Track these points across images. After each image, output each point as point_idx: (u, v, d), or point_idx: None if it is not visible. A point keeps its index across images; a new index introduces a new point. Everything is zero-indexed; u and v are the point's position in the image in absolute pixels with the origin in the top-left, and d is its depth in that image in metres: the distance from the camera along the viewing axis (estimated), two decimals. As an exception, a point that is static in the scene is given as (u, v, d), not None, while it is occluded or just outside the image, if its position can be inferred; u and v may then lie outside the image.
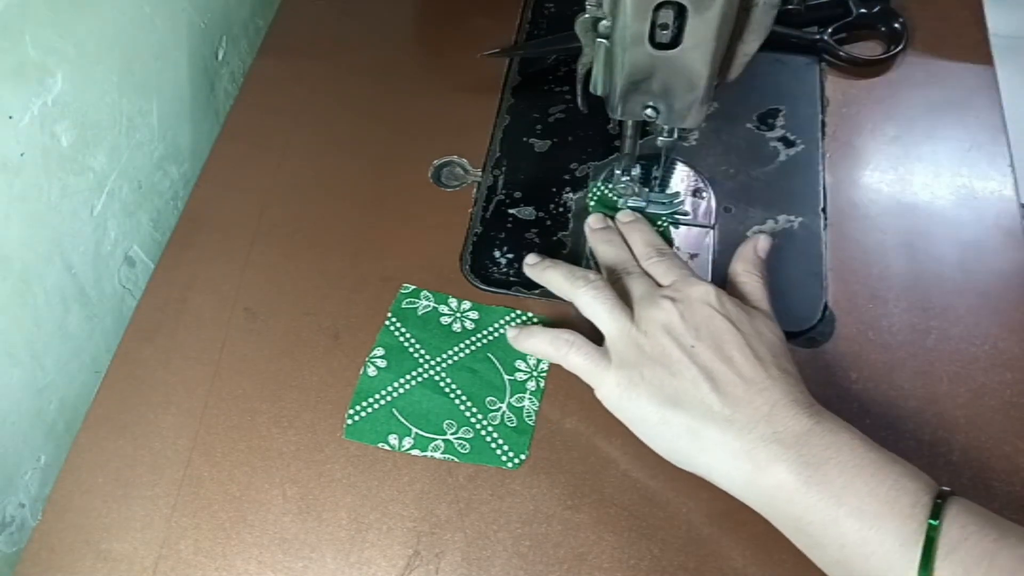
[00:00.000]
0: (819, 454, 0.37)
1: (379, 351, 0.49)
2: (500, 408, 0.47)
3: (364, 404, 0.47)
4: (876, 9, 0.61)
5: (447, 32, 0.66)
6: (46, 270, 0.50)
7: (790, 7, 0.62)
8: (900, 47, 0.60)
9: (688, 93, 0.42)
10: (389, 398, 0.47)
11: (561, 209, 0.55)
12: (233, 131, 0.61)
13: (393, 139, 0.59)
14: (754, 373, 0.40)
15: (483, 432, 0.46)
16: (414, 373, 0.48)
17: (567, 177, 0.56)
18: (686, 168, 0.56)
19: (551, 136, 0.59)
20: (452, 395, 0.47)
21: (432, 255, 0.53)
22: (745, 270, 0.48)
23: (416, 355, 0.49)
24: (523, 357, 0.48)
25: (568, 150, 0.58)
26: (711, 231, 0.53)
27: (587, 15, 0.41)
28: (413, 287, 0.51)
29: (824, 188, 0.54)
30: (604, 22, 0.40)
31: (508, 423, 0.46)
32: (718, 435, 0.39)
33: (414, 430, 0.46)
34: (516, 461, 0.45)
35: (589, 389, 0.47)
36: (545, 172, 0.57)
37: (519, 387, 0.47)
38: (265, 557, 0.43)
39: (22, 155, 0.47)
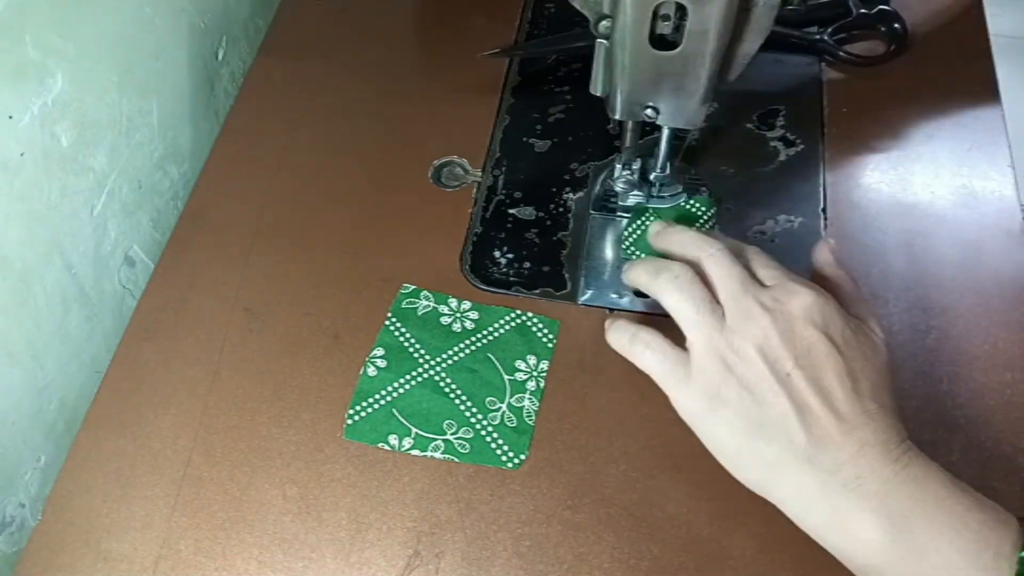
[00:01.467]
0: (903, 507, 0.35)
1: (379, 351, 0.49)
2: (500, 408, 0.47)
3: (364, 404, 0.47)
4: (876, 9, 0.61)
5: (447, 32, 0.66)
6: (46, 270, 0.50)
7: (790, 7, 0.62)
8: (900, 47, 0.60)
9: (688, 93, 0.42)
10: (389, 398, 0.47)
11: (561, 209, 0.55)
12: (233, 131, 0.61)
13: (393, 139, 0.59)
14: (849, 409, 0.36)
15: (483, 432, 0.46)
16: (414, 373, 0.48)
17: (567, 177, 0.57)
18: (686, 168, 0.56)
19: (551, 136, 0.59)
20: (452, 395, 0.47)
21: (432, 255, 0.53)
22: (834, 266, 0.42)
23: (416, 355, 0.49)
24: (523, 357, 0.48)
25: (568, 150, 0.58)
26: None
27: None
28: (413, 287, 0.51)
29: (824, 188, 0.54)
30: (604, 22, 0.40)
31: (508, 423, 0.46)
32: (797, 473, 0.36)
33: (414, 430, 0.46)
34: (516, 461, 0.45)
35: (589, 389, 0.47)
36: (545, 172, 0.57)
37: (519, 387, 0.47)
38: (265, 557, 0.43)
39: (22, 155, 0.47)
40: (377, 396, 0.47)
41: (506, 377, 0.48)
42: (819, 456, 0.36)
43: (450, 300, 0.51)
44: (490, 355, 0.49)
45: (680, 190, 0.54)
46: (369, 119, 0.61)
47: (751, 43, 0.41)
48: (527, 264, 0.53)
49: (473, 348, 0.49)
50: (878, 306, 0.49)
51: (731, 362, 0.38)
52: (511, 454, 0.45)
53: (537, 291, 0.51)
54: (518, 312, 0.50)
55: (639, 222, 0.50)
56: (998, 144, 0.55)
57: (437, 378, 0.48)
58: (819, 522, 0.37)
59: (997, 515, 0.35)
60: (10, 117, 0.45)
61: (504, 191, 0.56)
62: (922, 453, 0.37)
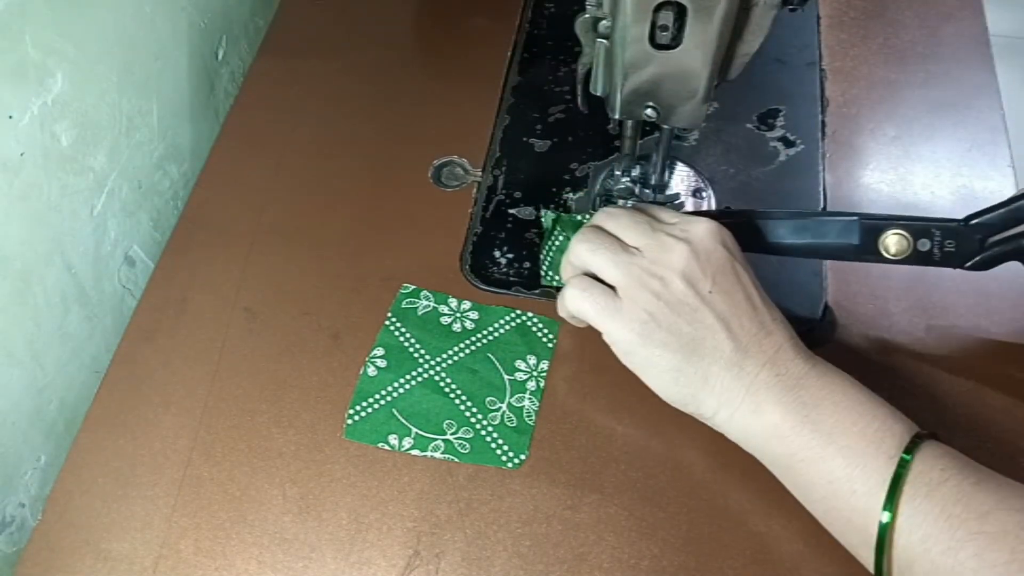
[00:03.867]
0: (815, 395, 0.39)
1: (379, 351, 0.49)
2: (500, 408, 0.47)
3: (364, 404, 0.47)
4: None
5: (447, 32, 0.66)
6: (46, 270, 0.50)
7: (790, 7, 0.62)
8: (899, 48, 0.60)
9: (688, 93, 0.42)
10: (389, 398, 0.47)
11: (561, 209, 0.55)
12: (233, 131, 0.61)
13: (393, 139, 0.59)
14: (763, 316, 0.41)
15: (483, 432, 0.46)
16: (414, 373, 0.48)
17: (567, 177, 0.56)
18: (686, 168, 0.56)
19: (551, 136, 0.59)
20: (452, 395, 0.47)
21: (432, 255, 0.53)
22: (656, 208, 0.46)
23: (416, 355, 0.49)
24: (523, 357, 0.48)
25: (568, 150, 0.58)
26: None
27: (587, 15, 0.41)
28: (413, 287, 0.51)
29: (824, 188, 0.54)
30: (604, 22, 0.40)
31: (508, 423, 0.46)
32: (727, 379, 0.40)
33: (414, 430, 0.46)
34: (516, 461, 0.45)
35: (589, 389, 0.47)
36: (545, 172, 0.57)
37: (519, 387, 0.47)
38: (265, 557, 0.43)
39: (22, 155, 0.47)
40: (377, 396, 0.47)
41: (506, 377, 0.48)
42: (745, 361, 0.40)
43: (450, 300, 0.51)
44: (490, 355, 0.49)
45: (679, 194, 0.54)
46: (369, 119, 0.61)
47: (751, 43, 0.41)
48: (527, 264, 0.53)
49: (473, 348, 0.49)
50: (878, 306, 0.49)
51: (656, 289, 0.41)
52: (511, 454, 0.45)
53: (537, 291, 0.51)
54: (518, 312, 0.50)
55: (548, 243, 0.50)
56: (998, 144, 0.55)
57: (437, 378, 0.48)
58: (743, 423, 0.40)
59: (901, 415, 0.39)
60: (10, 117, 0.45)
61: (504, 191, 0.56)
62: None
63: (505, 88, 0.62)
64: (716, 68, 0.41)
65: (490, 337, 0.49)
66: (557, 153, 0.58)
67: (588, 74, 0.44)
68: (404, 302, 0.51)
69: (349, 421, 0.47)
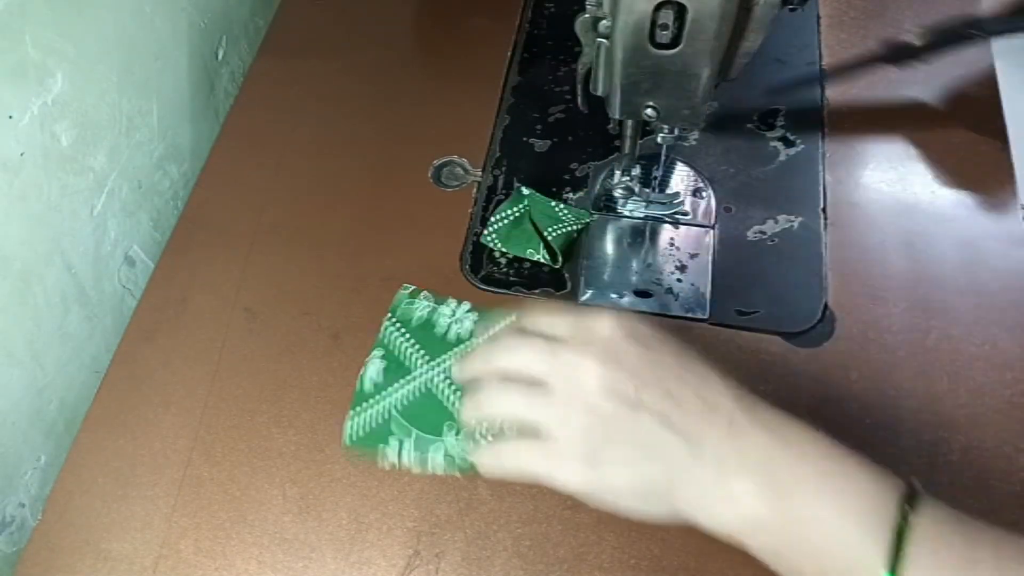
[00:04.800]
0: (783, 473, 0.35)
1: (378, 352, 0.49)
2: None
3: (363, 405, 0.47)
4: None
5: (447, 32, 0.66)
6: (46, 270, 0.50)
7: (790, 7, 0.62)
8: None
9: (688, 93, 0.42)
10: (388, 399, 0.47)
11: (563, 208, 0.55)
12: (233, 131, 0.61)
13: (393, 139, 0.59)
14: (703, 392, 0.36)
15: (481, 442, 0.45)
16: (409, 377, 0.48)
17: (567, 177, 0.56)
18: (686, 168, 0.56)
19: (551, 136, 0.59)
20: (447, 403, 0.47)
21: (432, 255, 0.53)
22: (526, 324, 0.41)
23: (415, 357, 0.48)
24: None
25: (568, 150, 0.58)
26: (711, 231, 0.53)
27: (587, 15, 0.41)
28: (412, 287, 0.51)
29: (824, 188, 0.54)
30: (604, 22, 0.40)
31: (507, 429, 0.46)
32: (692, 475, 0.36)
33: (414, 432, 0.46)
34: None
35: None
36: (545, 172, 0.57)
37: None
38: (265, 557, 0.43)
39: (22, 155, 0.47)
40: (377, 397, 0.47)
41: None
42: (701, 451, 0.36)
43: (449, 301, 0.51)
44: None
45: (679, 195, 0.54)
46: (369, 119, 0.61)
47: (751, 42, 0.41)
48: (527, 264, 0.53)
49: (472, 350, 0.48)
50: (878, 306, 0.49)
51: (585, 419, 0.36)
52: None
53: (537, 291, 0.51)
54: (517, 315, 0.50)
55: (511, 209, 0.51)
56: (998, 144, 0.55)
57: (431, 384, 0.47)
58: (723, 518, 0.36)
59: (880, 478, 0.34)
60: (10, 117, 0.45)
61: (504, 191, 0.56)
62: (792, 416, 0.36)
63: (505, 88, 0.62)
64: (716, 68, 0.40)
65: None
66: (557, 153, 0.58)
67: (588, 74, 0.44)
68: (404, 303, 0.50)
69: (349, 431, 0.45)
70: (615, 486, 0.37)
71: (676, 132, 0.47)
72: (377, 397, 0.47)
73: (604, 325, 0.38)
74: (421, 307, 0.49)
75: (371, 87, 0.62)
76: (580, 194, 0.55)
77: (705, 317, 0.50)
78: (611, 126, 0.59)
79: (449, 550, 0.43)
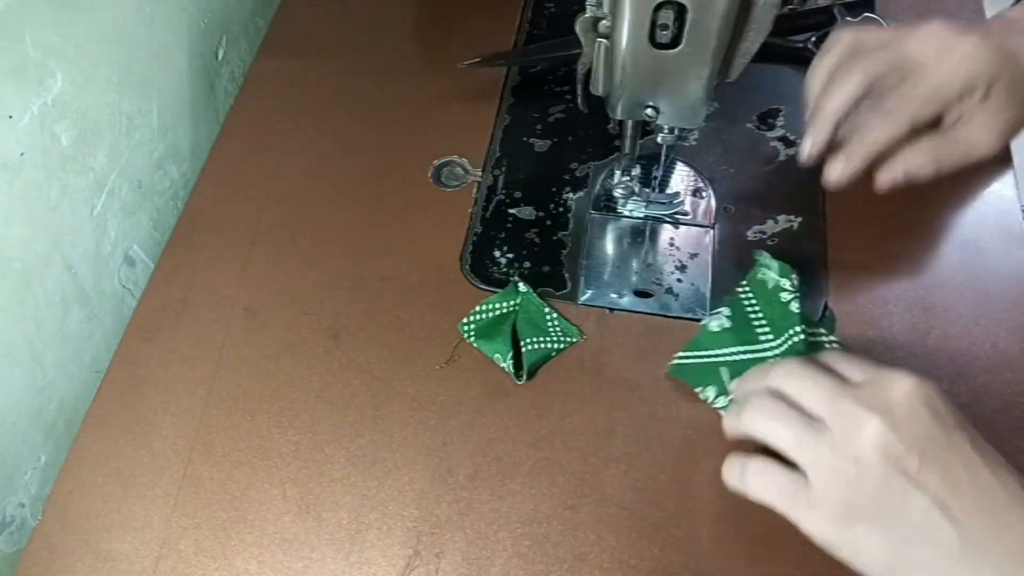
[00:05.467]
0: None
1: (726, 310, 0.48)
2: None
3: (698, 353, 0.47)
4: (860, 17, 0.61)
5: (447, 32, 0.66)
6: (46, 270, 0.50)
7: (790, 7, 0.62)
8: None
9: (688, 93, 0.42)
10: (723, 358, 0.47)
11: (561, 209, 0.55)
12: (233, 131, 0.61)
13: (393, 139, 0.59)
14: (994, 491, 0.33)
15: None
16: (753, 347, 0.47)
17: (567, 177, 0.56)
18: (686, 168, 0.56)
19: (551, 136, 0.59)
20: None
21: (432, 255, 0.53)
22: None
23: (760, 330, 0.47)
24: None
25: (568, 150, 0.58)
26: (711, 231, 0.53)
27: (587, 15, 0.41)
28: (767, 255, 0.48)
29: (824, 188, 0.54)
30: (604, 22, 0.40)
31: None
32: (959, 568, 0.33)
33: (731, 396, 0.45)
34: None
35: (589, 389, 0.47)
36: (545, 172, 0.57)
37: None
38: (265, 557, 0.43)
39: (22, 155, 0.47)
40: (712, 352, 0.47)
41: None
42: (979, 556, 0.32)
43: (792, 276, 0.47)
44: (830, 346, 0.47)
45: (679, 195, 0.54)
46: (369, 119, 0.61)
47: (751, 42, 0.41)
48: (527, 264, 0.53)
49: (811, 339, 0.47)
50: (878, 306, 0.49)
51: (851, 475, 0.34)
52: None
53: (537, 291, 0.51)
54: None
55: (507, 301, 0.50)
56: (998, 144, 0.55)
57: (767, 358, 0.46)
58: None
59: None
60: (10, 117, 0.45)
61: (504, 191, 0.56)
62: None
63: (505, 88, 0.62)
64: (716, 68, 0.41)
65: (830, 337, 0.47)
66: (557, 153, 0.58)
67: (588, 74, 0.44)
68: (760, 272, 0.48)
69: (677, 361, 0.47)
70: (865, 554, 0.35)
71: (676, 132, 0.47)
72: (712, 352, 0.47)
73: (902, 384, 0.35)
74: (770, 279, 0.47)
75: (371, 87, 0.62)
76: (580, 194, 0.55)
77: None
78: (611, 126, 0.59)
79: (449, 550, 0.43)
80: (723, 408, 0.46)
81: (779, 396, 0.37)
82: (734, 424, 0.39)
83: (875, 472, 0.34)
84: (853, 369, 0.37)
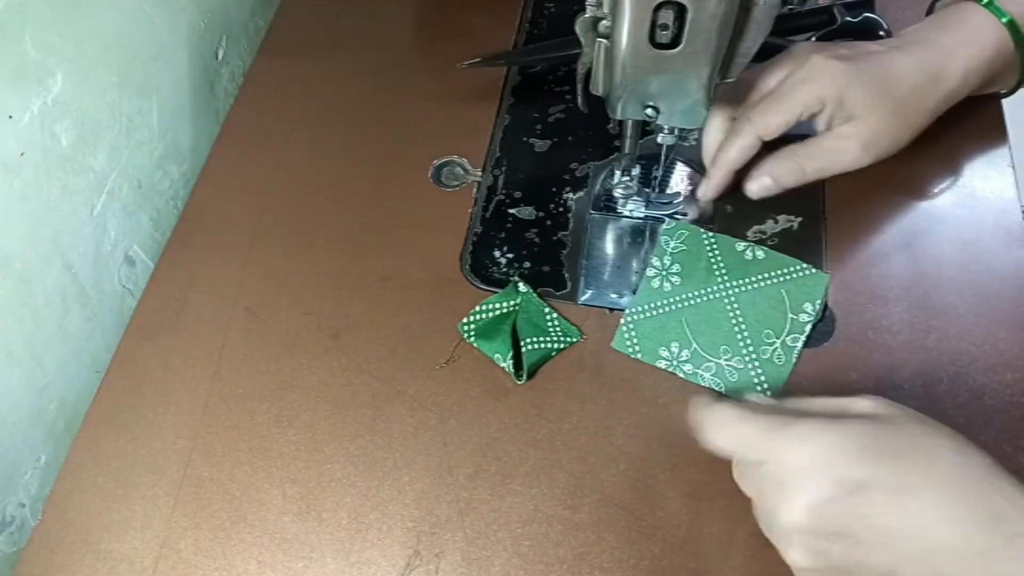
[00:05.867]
0: None
1: (676, 267, 0.49)
2: (774, 344, 0.47)
3: (648, 306, 0.48)
4: (861, 17, 0.61)
5: (447, 32, 0.66)
6: (46, 270, 0.50)
7: (790, 7, 0.62)
8: None
9: (688, 93, 0.42)
10: (678, 306, 0.48)
11: (561, 209, 0.55)
12: (233, 131, 0.61)
13: (393, 139, 0.59)
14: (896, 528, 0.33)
15: (750, 366, 0.47)
16: (709, 289, 0.49)
17: (567, 177, 0.56)
18: (686, 168, 0.56)
19: (551, 136, 0.59)
20: (734, 321, 0.48)
21: (432, 255, 0.53)
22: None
23: (716, 271, 0.49)
24: (812, 301, 0.48)
25: (568, 150, 0.58)
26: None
27: (587, 15, 0.41)
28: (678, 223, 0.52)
29: (824, 188, 0.54)
30: (604, 22, 0.40)
31: (776, 360, 0.47)
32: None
33: (694, 344, 0.47)
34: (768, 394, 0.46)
35: (589, 389, 0.47)
36: (545, 172, 0.57)
37: (798, 327, 0.48)
38: (265, 557, 0.43)
39: (22, 155, 0.47)
40: (664, 302, 0.48)
41: (790, 316, 0.48)
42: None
43: (739, 243, 0.51)
44: (784, 291, 0.49)
45: (679, 195, 0.54)
46: (369, 119, 0.61)
47: (751, 42, 0.41)
48: (527, 264, 0.53)
49: (770, 282, 0.49)
50: (878, 306, 0.49)
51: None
52: (768, 392, 0.46)
53: (537, 291, 0.51)
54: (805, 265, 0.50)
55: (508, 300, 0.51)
56: (998, 144, 0.55)
57: (726, 300, 0.49)
58: None
59: None
60: (10, 117, 0.45)
61: (504, 191, 0.56)
62: None
63: (505, 88, 0.62)
64: (716, 68, 0.41)
65: (790, 276, 0.49)
66: (557, 153, 0.58)
67: (588, 74, 0.44)
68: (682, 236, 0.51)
69: (625, 324, 0.48)
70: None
71: (676, 132, 0.47)
72: (664, 302, 0.49)
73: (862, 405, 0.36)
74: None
75: (371, 87, 0.62)
76: (580, 194, 0.55)
77: (705, 317, 0.50)
78: (611, 126, 0.59)
79: (449, 550, 0.43)
80: (692, 368, 0.47)
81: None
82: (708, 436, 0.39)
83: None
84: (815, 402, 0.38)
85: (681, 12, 0.38)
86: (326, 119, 0.61)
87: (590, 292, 0.51)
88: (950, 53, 0.48)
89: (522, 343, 0.48)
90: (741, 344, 0.47)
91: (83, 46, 0.51)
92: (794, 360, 0.47)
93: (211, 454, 0.46)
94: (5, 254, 0.47)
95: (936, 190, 0.54)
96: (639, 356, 0.48)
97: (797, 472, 0.34)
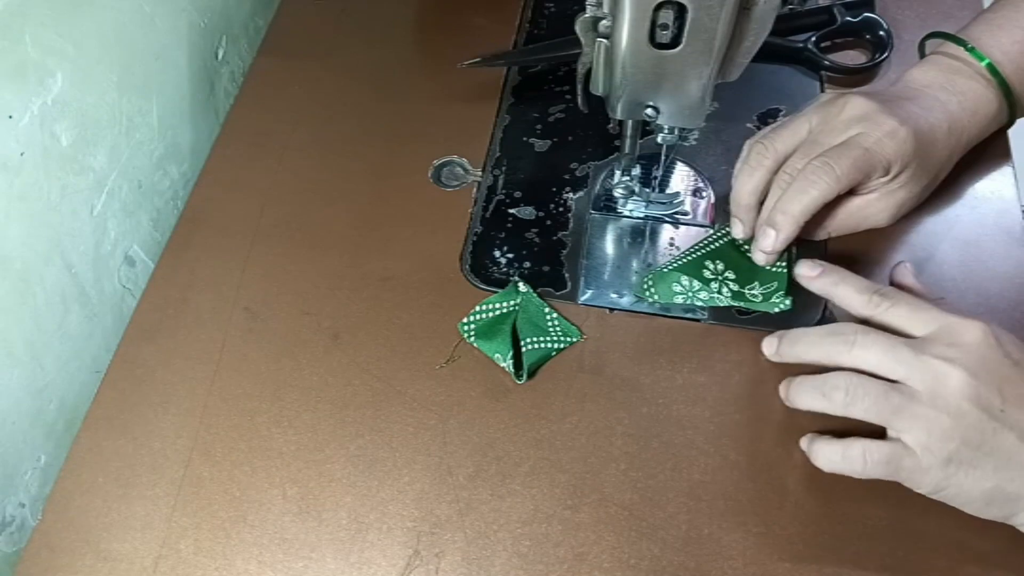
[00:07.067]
0: None
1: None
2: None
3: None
4: (861, 17, 0.61)
5: (447, 32, 0.66)
6: (46, 270, 0.50)
7: (790, 6, 0.62)
8: (885, 55, 0.59)
9: (688, 93, 0.42)
10: (688, 257, 0.50)
11: (561, 209, 0.55)
12: (233, 131, 0.61)
13: (393, 139, 0.59)
14: None
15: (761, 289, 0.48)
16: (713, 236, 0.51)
17: (567, 177, 0.56)
18: (686, 168, 0.56)
19: (551, 136, 0.59)
20: (715, 279, 0.49)
21: (432, 255, 0.53)
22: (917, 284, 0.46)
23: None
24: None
25: (568, 150, 0.58)
26: (711, 231, 0.53)
27: (587, 15, 0.41)
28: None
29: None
30: (604, 22, 0.40)
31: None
32: None
33: (706, 272, 0.48)
34: (786, 303, 0.47)
35: (589, 389, 0.47)
36: (545, 172, 0.57)
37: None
38: (265, 557, 0.43)
39: (22, 155, 0.47)
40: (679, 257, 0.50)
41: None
42: None
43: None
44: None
45: (679, 195, 0.54)
46: (369, 119, 0.61)
47: (751, 42, 0.41)
48: (527, 264, 0.53)
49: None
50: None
51: (947, 428, 0.38)
52: (776, 300, 0.47)
53: (537, 291, 0.51)
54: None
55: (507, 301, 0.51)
56: (998, 144, 0.55)
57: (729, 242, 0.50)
58: None
59: None
60: (10, 117, 0.45)
61: (504, 191, 0.56)
62: None
63: (505, 88, 0.62)
64: (716, 68, 0.41)
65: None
66: (557, 153, 0.58)
67: (588, 74, 0.44)
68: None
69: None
70: (965, 490, 0.39)
71: (676, 132, 0.47)
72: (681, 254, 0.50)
73: (973, 335, 0.39)
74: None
75: (371, 87, 0.62)
76: (580, 194, 0.56)
77: (705, 317, 0.50)
78: (611, 126, 0.59)
79: (449, 550, 0.43)
80: (707, 295, 0.48)
81: (856, 374, 0.40)
82: (813, 403, 0.42)
83: (967, 419, 0.37)
84: (915, 324, 0.41)
85: (681, 12, 0.38)
86: (326, 119, 0.61)
87: (590, 292, 0.51)
88: (964, 109, 0.49)
89: (522, 343, 0.48)
90: (748, 269, 0.49)
91: (83, 46, 0.51)
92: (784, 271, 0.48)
93: (211, 454, 0.46)
94: (5, 254, 0.47)
95: (936, 190, 0.54)
96: (656, 299, 0.49)
97: (971, 340, 0.39)
